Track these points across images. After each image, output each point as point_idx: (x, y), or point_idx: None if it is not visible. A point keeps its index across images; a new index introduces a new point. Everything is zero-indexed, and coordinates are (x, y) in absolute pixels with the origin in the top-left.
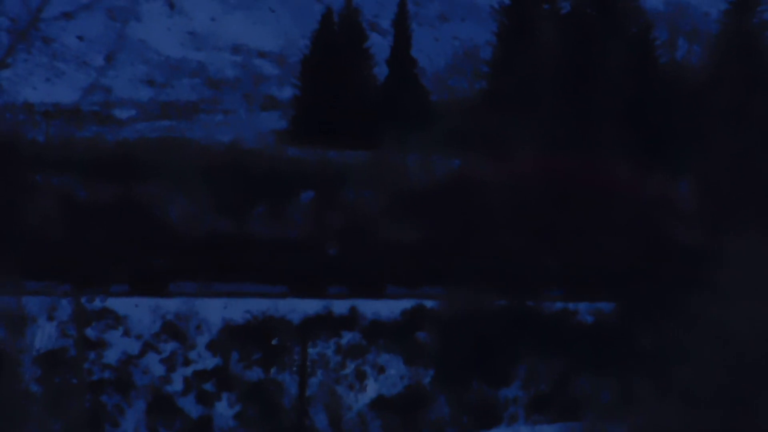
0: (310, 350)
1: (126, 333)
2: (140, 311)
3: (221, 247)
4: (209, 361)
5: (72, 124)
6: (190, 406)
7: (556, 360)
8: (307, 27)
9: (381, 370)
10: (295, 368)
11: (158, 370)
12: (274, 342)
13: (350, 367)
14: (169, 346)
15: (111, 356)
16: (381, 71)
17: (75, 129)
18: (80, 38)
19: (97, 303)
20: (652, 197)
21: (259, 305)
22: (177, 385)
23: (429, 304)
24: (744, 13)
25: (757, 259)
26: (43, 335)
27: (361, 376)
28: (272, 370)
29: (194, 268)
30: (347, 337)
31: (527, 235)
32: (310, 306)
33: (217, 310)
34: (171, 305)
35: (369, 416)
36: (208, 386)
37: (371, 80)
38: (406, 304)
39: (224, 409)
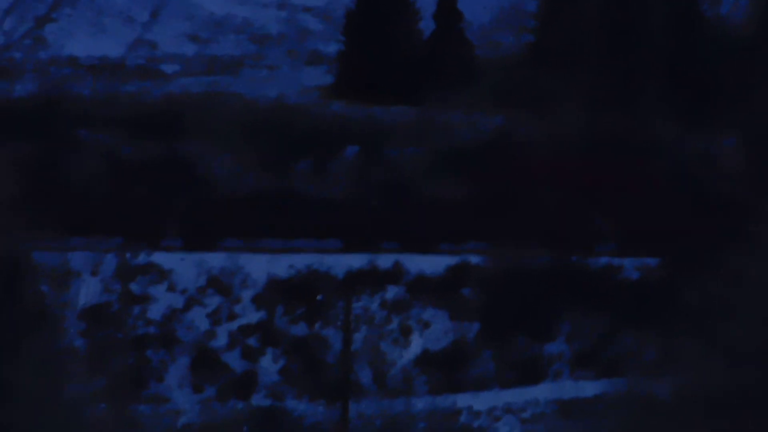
0: (355, 305)
1: (170, 288)
2: (185, 266)
3: (265, 202)
4: (254, 316)
5: (117, 79)
6: (234, 361)
7: (601, 316)
8: None
9: (426, 325)
10: (339, 323)
11: (203, 324)
12: (318, 298)
13: (395, 322)
14: (213, 301)
15: (155, 311)
16: (427, 26)
17: (120, 84)
18: None
19: (142, 258)
20: (698, 153)
21: (303, 260)
22: (221, 340)
23: (474, 259)
24: None
25: None
26: (88, 290)
27: (405, 331)
28: (317, 325)
29: (239, 224)
30: (392, 292)
31: (572, 191)
32: (354, 260)
33: (262, 265)
34: (216, 260)
35: (413, 371)
36: (252, 341)
37: (416, 35)
38: (451, 259)
39: (268, 364)
